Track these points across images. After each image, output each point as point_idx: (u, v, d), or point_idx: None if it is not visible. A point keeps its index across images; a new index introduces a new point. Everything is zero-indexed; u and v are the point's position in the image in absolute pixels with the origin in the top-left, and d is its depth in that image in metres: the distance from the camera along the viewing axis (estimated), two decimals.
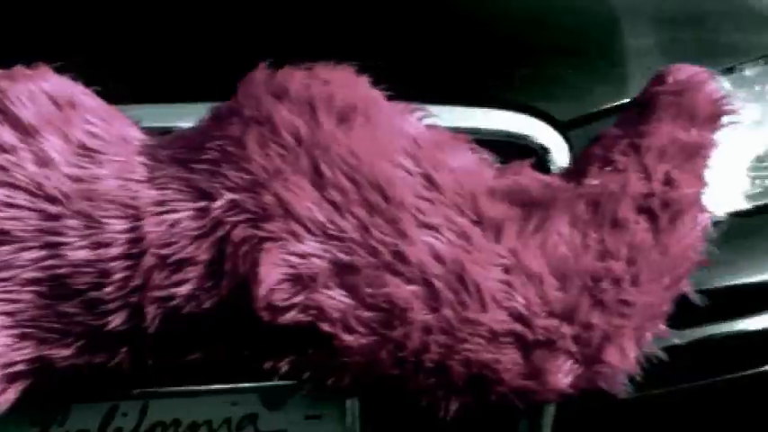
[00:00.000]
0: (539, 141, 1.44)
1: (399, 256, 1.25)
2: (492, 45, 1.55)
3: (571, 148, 1.45)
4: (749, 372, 1.56)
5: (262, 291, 1.22)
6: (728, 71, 1.65)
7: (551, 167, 1.43)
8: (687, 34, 1.68)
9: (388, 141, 1.29)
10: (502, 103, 1.45)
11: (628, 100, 1.49)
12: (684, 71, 1.43)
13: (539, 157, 1.43)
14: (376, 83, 1.36)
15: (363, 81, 1.34)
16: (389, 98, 1.35)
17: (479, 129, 1.42)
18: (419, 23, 1.57)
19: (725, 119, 1.43)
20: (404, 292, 1.24)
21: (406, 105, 1.35)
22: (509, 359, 1.28)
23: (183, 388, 1.38)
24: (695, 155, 1.38)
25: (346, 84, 1.31)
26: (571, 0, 1.69)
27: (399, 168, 1.28)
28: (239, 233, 1.24)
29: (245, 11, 1.55)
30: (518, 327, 1.27)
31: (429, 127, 1.35)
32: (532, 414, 1.39)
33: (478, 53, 1.53)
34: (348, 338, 1.25)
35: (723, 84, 1.60)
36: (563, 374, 1.30)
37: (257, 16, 1.54)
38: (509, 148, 1.42)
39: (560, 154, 1.44)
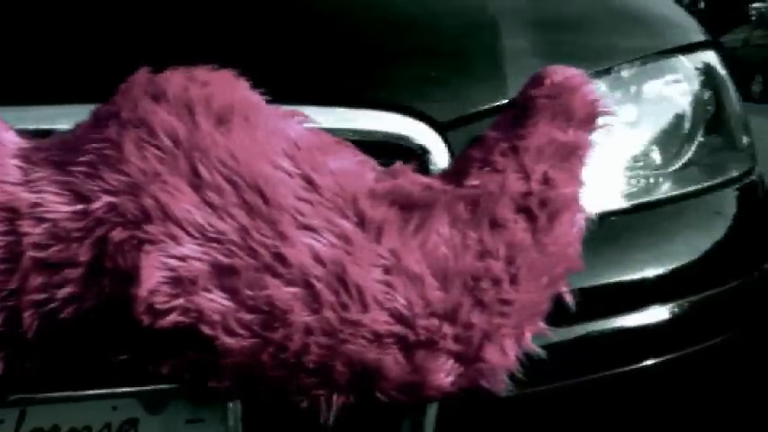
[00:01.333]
0: (418, 142, 1.44)
1: (280, 258, 1.25)
2: (371, 47, 1.55)
3: (450, 149, 1.45)
4: (627, 368, 1.58)
5: (142, 293, 1.21)
6: (605, 72, 1.67)
7: (431, 168, 1.43)
8: (564, 36, 1.70)
9: (268, 143, 1.29)
10: (382, 105, 1.46)
11: (506, 101, 1.51)
12: (561, 73, 1.45)
13: (418, 158, 1.43)
14: (256, 85, 1.35)
15: (243, 84, 1.34)
16: (269, 101, 1.35)
17: (359, 130, 1.42)
18: (299, 26, 1.56)
19: (601, 119, 1.46)
20: (284, 294, 1.24)
21: (286, 108, 1.35)
22: (391, 359, 1.28)
23: (61, 393, 1.35)
24: (572, 155, 1.40)
25: (225, 86, 1.31)
26: (449, 2, 1.70)
27: (279, 170, 1.28)
28: (118, 235, 1.22)
29: (126, 12, 1.53)
30: (399, 327, 1.28)
31: (309, 129, 1.35)
32: (415, 413, 1.40)
33: (358, 55, 1.53)
34: (229, 341, 1.24)
35: (599, 85, 1.62)
36: (444, 374, 1.31)
37: (139, 18, 1.52)
38: (389, 150, 1.42)
39: (440, 155, 1.45)
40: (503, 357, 1.34)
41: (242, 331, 1.24)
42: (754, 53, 23.15)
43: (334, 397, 1.30)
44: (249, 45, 1.50)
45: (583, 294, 1.47)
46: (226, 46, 1.48)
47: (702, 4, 33.49)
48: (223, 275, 1.24)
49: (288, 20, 1.57)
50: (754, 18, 30.02)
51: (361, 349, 1.26)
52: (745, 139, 1.91)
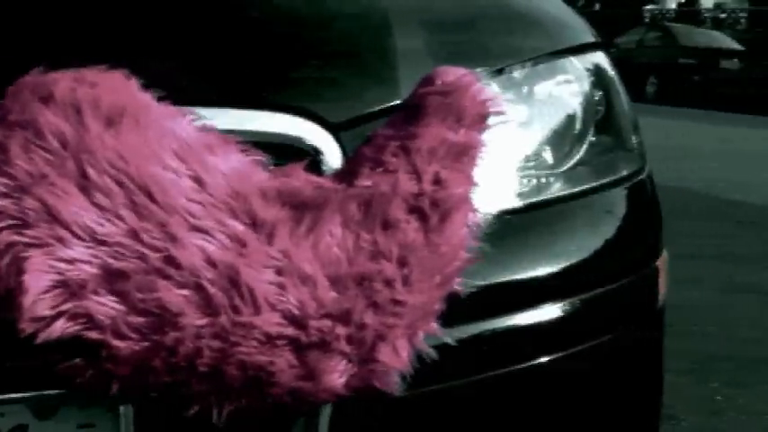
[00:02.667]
0: (311, 143, 1.44)
1: (170, 260, 1.24)
2: (263, 48, 1.54)
3: (343, 150, 1.45)
4: (520, 366, 1.60)
5: (27, 300, 1.19)
6: (497, 73, 1.68)
7: (324, 169, 1.43)
8: (457, 37, 1.71)
9: (158, 144, 1.28)
10: (274, 106, 1.45)
11: (399, 102, 1.51)
12: (452, 73, 1.46)
13: (311, 158, 1.43)
14: (146, 86, 1.34)
15: (133, 84, 1.32)
16: (160, 101, 1.34)
17: (252, 131, 1.41)
18: (192, 27, 1.55)
19: (491, 120, 1.47)
20: (175, 296, 1.23)
21: (177, 108, 1.34)
22: (283, 361, 1.28)
23: None
24: (464, 155, 1.41)
25: (114, 87, 1.30)
26: (342, 2, 1.70)
27: (169, 171, 1.27)
28: (3, 239, 1.20)
29: (18, 13, 1.51)
30: (292, 329, 1.27)
31: (200, 130, 1.34)
32: (308, 414, 1.39)
33: (250, 56, 1.52)
34: (119, 345, 1.23)
35: (491, 85, 1.63)
36: (338, 375, 1.31)
37: (30, 19, 1.50)
38: (282, 151, 1.42)
39: (332, 156, 1.44)
40: (396, 358, 1.34)
41: (132, 335, 1.23)
42: (647, 54, 23.57)
43: (227, 401, 1.29)
44: (142, 45, 1.48)
45: (476, 293, 1.48)
46: (120, 46, 1.46)
47: (597, 6, 33.99)
48: (113, 279, 1.23)
49: (181, 20, 1.55)
50: (647, 20, 30.53)
51: (252, 352, 1.26)
52: (634, 139, 1.94)
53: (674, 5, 38.12)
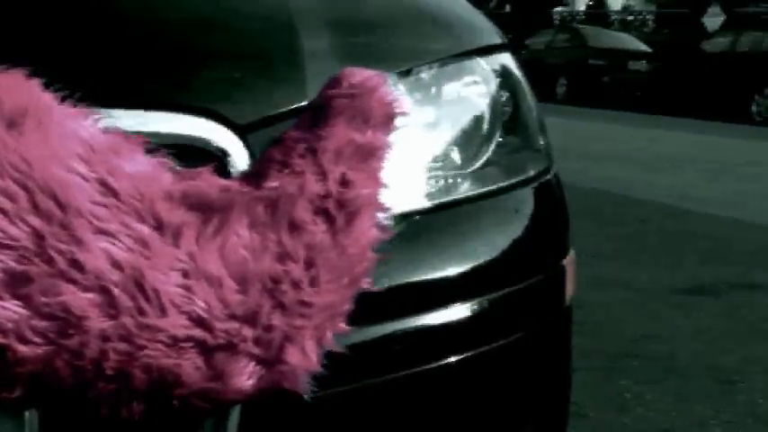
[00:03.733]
0: (217, 145, 1.43)
1: (75, 263, 1.23)
2: (170, 49, 1.53)
3: (250, 152, 1.45)
4: (431, 366, 1.60)
5: None
6: (404, 74, 1.69)
7: (231, 171, 1.42)
8: (364, 38, 1.71)
9: (62, 146, 1.26)
10: (180, 107, 1.44)
11: (306, 103, 1.51)
12: (359, 74, 1.46)
13: (218, 160, 1.42)
14: (50, 87, 1.32)
15: (34, 85, 1.30)
16: (63, 102, 1.32)
17: (158, 133, 1.40)
18: (98, 26, 1.53)
19: (399, 120, 1.47)
20: (80, 300, 1.22)
21: (81, 109, 1.33)
22: (190, 363, 1.27)
23: None
24: (371, 156, 1.42)
25: (15, 88, 1.27)
26: (248, 3, 1.69)
27: (74, 174, 1.26)
28: None
29: None
30: (198, 331, 1.27)
31: (105, 131, 1.33)
32: (217, 416, 1.39)
33: (157, 57, 1.51)
34: (23, 349, 1.21)
35: (399, 86, 1.64)
36: (245, 376, 1.31)
37: None
38: (188, 152, 1.41)
39: (239, 157, 1.44)
40: (304, 359, 1.34)
41: (36, 339, 1.22)
42: (557, 56, 23.82)
43: (134, 403, 1.28)
44: (46, 45, 1.46)
45: (385, 294, 1.48)
46: (21, 45, 1.44)
47: (508, 8, 34.26)
48: (16, 282, 1.21)
49: (86, 19, 1.54)
50: (557, 22, 30.85)
51: (159, 354, 1.25)
52: (541, 140, 1.96)
53: (582, 7, 38.58)
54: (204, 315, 1.27)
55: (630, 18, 35.42)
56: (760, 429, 3.38)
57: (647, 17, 35.44)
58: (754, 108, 18.77)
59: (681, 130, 15.52)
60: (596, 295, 4.97)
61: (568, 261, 1.90)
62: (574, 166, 9.58)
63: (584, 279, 5.13)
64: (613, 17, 35.88)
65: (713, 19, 24.27)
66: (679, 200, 8.35)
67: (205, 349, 1.27)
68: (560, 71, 23.36)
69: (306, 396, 1.38)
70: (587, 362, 3.89)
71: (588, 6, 39.58)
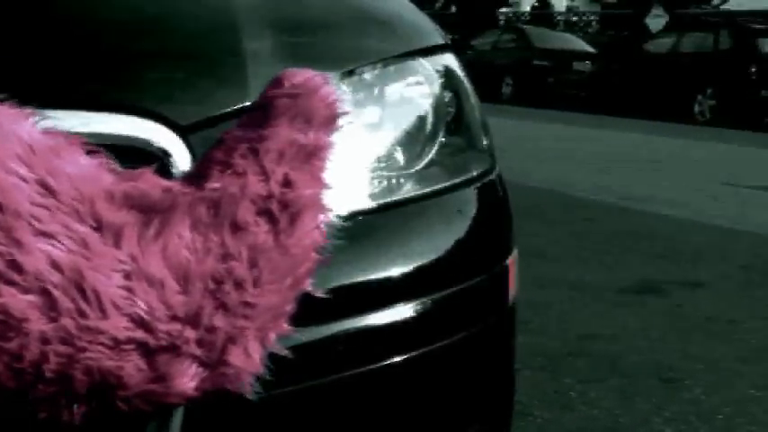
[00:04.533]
0: (159, 146, 1.42)
1: (15, 265, 1.22)
2: (111, 49, 1.52)
3: (192, 152, 1.44)
4: (375, 366, 1.60)
5: None
6: (347, 75, 1.69)
7: (173, 172, 1.41)
8: (307, 38, 1.71)
9: (1, 148, 1.25)
10: (121, 108, 1.43)
11: (248, 103, 1.51)
12: (301, 75, 1.46)
13: (160, 161, 1.41)
14: None
15: None
16: (1, 103, 1.31)
17: (99, 133, 1.39)
18: (39, 26, 1.52)
19: (342, 121, 1.47)
20: (20, 302, 1.21)
21: (20, 110, 1.32)
22: (132, 365, 1.26)
23: None
24: (313, 156, 1.42)
25: None
26: (191, 4, 1.69)
27: (13, 175, 1.25)
28: None
29: None
30: (140, 333, 1.26)
31: (45, 131, 1.32)
32: (160, 418, 1.38)
33: (98, 57, 1.50)
34: None
35: (342, 87, 1.64)
36: (188, 378, 1.30)
37: None
38: (130, 153, 1.40)
39: (181, 158, 1.43)
40: (247, 360, 1.34)
41: None
42: (503, 56, 23.92)
43: (75, 406, 1.27)
44: None
45: (328, 294, 1.48)
46: None
47: (454, 8, 34.37)
48: None
49: (27, 20, 1.52)
50: (502, 22, 30.98)
51: (100, 356, 1.24)
52: (484, 140, 1.97)
53: (528, 8, 38.79)
54: (146, 316, 1.26)
55: (575, 19, 35.66)
56: (702, 425, 3.42)
57: (592, 18, 35.69)
58: (696, 108, 18.96)
59: (626, 130, 15.66)
60: (542, 295, 4.99)
61: (511, 261, 1.91)
62: (520, 165, 9.63)
63: (530, 278, 5.19)
64: (558, 18, 36.11)
65: (656, 20, 24.48)
66: (625, 199, 8.42)
67: (147, 351, 1.27)
68: (506, 71, 23.46)
69: (249, 397, 1.38)
70: (532, 361, 3.91)
71: (533, 7, 39.80)
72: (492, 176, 1.93)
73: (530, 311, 4.48)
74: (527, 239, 6.08)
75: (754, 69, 18.41)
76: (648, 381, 3.83)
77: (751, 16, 21.82)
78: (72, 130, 1.36)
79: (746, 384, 3.84)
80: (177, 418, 1.40)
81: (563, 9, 39.26)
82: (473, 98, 1.97)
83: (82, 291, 1.23)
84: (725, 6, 30.15)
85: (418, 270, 1.67)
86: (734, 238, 6.98)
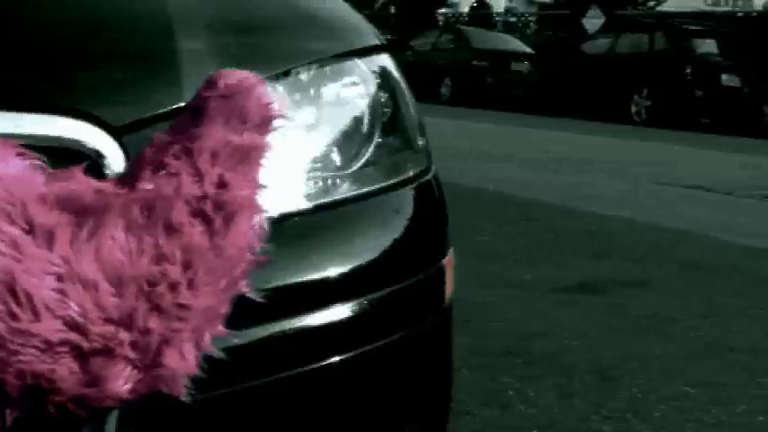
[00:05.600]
0: (92, 147, 1.41)
1: None
2: (43, 50, 1.50)
3: (126, 154, 1.43)
4: (312, 367, 1.60)
5: None
6: (283, 75, 1.69)
7: (106, 173, 1.40)
8: (242, 39, 1.70)
9: None
10: (54, 109, 1.42)
11: (182, 104, 1.50)
12: (235, 76, 1.46)
13: (93, 162, 1.40)
14: None
15: None
16: None
17: (32, 135, 1.38)
18: None
19: (277, 122, 1.47)
20: None
21: None
22: (65, 369, 1.25)
23: None
24: (248, 157, 1.41)
25: None
26: (125, 4, 1.67)
27: None
28: None
29: None
30: (73, 335, 1.25)
31: None
32: (95, 421, 1.37)
33: (29, 58, 1.48)
34: None
35: (278, 88, 1.64)
36: (122, 380, 1.29)
37: None
38: (62, 155, 1.39)
39: (115, 159, 1.42)
40: (182, 362, 1.33)
41: None
42: (441, 57, 24.00)
43: (8, 408, 1.26)
44: None
45: (264, 295, 1.48)
46: None
47: (393, 9, 34.42)
48: None
49: None
50: (441, 23, 31.07)
51: (33, 360, 1.23)
52: (420, 140, 1.97)
53: (466, 9, 38.94)
54: (79, 319, 1.25)
55: (513, 19, 35.85)
56: (639, 423, 3.45)
57: (529, 19, 35.92)
58: (633, 108, 19.15)
59: (568, 130, 15.77)
60: (486, 294, 5.02)
61: (448, 261, 1.92)
62: (463, 165, 9.67)
63: (475, 278, 5.21)
64: (496, 18, 36.28)
65: (593, 21, 24.68)
66: (568, 199, 8.48)
67: (80, 354, 1.26)
68: (445, 72, 23.54)
69: (184, 399, 1.37)
70: (473, 360, 3.92)
71: (472, 8, 39.95)
72: (428, 177, 1.94)
73: (471, 311, 4.50)
74: (470, 239, 6.12)
75: (688, 70, 18.64)
76: (587, 379, 3.86)
77: (686, 18, 22.07)
78: (4, 132, 1.35)
79: (683, 382, 3.89)
80: (111, 421, 1.39)
81: (501, 10, 39.45)
82: (409, 99, 1.97)
83: (13, 293, 1.22)
84: (661, 8, 30.47)
85: (354, 270, 1.67)
86: (675, 237, 7.06)
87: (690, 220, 7.74)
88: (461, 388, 3.35)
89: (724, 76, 18.68)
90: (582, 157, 11.96)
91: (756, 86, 18.15)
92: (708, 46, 19.44)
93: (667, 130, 16.74)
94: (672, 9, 27.70)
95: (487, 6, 39.26)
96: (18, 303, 1.22)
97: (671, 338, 4.50)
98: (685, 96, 18.41)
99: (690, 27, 20.16)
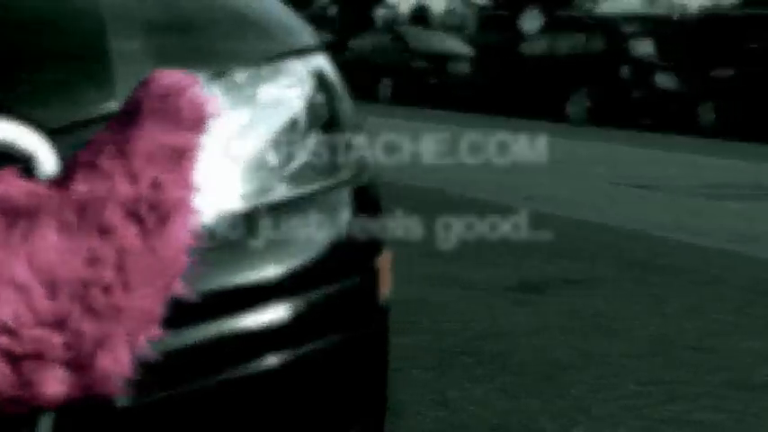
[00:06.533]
0: (24, 148, 1.40)
1: None
2: None
3: (59, 155, 1.42)
4: (248, 367, 1.60)
5: None
6: (218, 76, 1.68)
7: (38, 175, 1.39)
8: (178, 40, 1.70)
9: None
10: None
11: (117, 106, 1.49)
12: (169, 77, 1.45)
13: (25, 164, 1.39)
14: None
15: None
16: None
17: None
18: None
19: (212, 123, 1.47)
20: None
21: None
22: None
23: None
24: (182, 158, 1.41)
25: None
26: (58, 3, 1.66)
27: None
28: None
29: None
30: (4, 339, 1.24)
31: None
32: (28, 425, 1.36)
33: None
34: None
35: (213, 89, 1.63)
36: (56, 383, 1.29)
37: None
38: None
39: (48, 161, 1.41)
40: (116, 364, 1.33)
41: None
42: (381, 57, 24.01)
43: None
44: None
45: (201, 297, 1.47)
46: None
47: (332, 10, 34.40)
48: None
49: None
50: (380, 24, 31.11)
51: None
52: (357, 141, 1.97)
53: (406, 10, 39.00)
54: (11, 323, 1.24)
55: (452, 20, 35.93)
56: (588, 421, 3.46)
57: (469, 20, 36.00)
58: (571, 108, 19.27)
59: (512, 129, 15.79)
60: (437, 294, 5.02)
61: (383, 261, 1.92)
62: (400, 165, 9.65)
63: (426, 278, 5.20)
64: (436, 19, 36.35)
65: (531, 22, 24.80)
66: (523, 200, 8.50)
67: (12, 357, 1.25)
68: (384, 72, 23.55)
69: (119, 402, 1.36)
70: (421, 361, 3.91)
71: (412, 9, 40.02)
72: (364, 177, 1.94)
73: (423, 310, 4.51)
74: (421, 239, 6.10)
75: (626, 71, 18.81)
76: (537, 379, 3.87)
77: (622, 20, 22.25)
78: None
79: (632, 380, 3.91)
80: (46, 426, 1.38)
81: (441, 11, 39.56)
82: (346, 100, 1.97)
83: None
84: (599, 10, 30.70)
85: (289, 271, 1.67)
86: (628, 236, 7.10)
87: (642, 219, 7.80)
88: (408, 389, 3.36)
89: (660, 77, 18.85)
90: (530, 157, 11.98)
91: (692, 87, 18.32)
92: (645, 47, 19.60)
93: (610, 130, 16.85)
94: (609, 12, 27.92)
95: (426, 7, 39.37)
96: None
97: (619, 337, 4.53)
98: (623, 97, 18.56)
99: (626, 28, 20.32)
